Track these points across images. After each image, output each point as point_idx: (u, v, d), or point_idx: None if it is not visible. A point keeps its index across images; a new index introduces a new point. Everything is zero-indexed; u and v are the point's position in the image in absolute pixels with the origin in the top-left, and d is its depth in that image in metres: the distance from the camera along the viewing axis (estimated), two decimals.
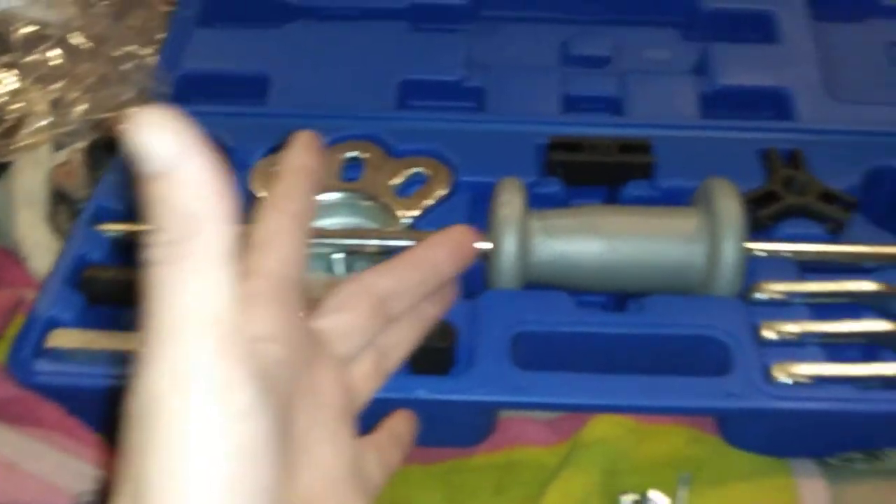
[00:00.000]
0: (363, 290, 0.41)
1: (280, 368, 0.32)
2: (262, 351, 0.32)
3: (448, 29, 0.80)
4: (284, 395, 0.32)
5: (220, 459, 0.28)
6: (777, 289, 0.57)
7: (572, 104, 0.74)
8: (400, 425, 0.46)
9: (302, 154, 0.42)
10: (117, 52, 0.70)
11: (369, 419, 0.57)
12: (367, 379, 0.41)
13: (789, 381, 0.53)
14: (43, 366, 0.54)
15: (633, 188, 0.66)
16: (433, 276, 0.43)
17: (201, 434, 0.28)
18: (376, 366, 0.42)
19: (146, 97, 0.69)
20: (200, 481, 0.28)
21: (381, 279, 0.42)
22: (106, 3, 0.79)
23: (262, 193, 0.65)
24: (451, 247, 0.44)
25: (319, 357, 0.38)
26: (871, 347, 0.58)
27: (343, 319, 0.40)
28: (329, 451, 0.36)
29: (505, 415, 0.60)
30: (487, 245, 0.59)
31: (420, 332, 0.44)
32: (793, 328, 0.55)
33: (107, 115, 0.69)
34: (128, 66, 0.70)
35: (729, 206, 0.57)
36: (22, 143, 0.69)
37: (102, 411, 0.46)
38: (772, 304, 0.57)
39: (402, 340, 0.43)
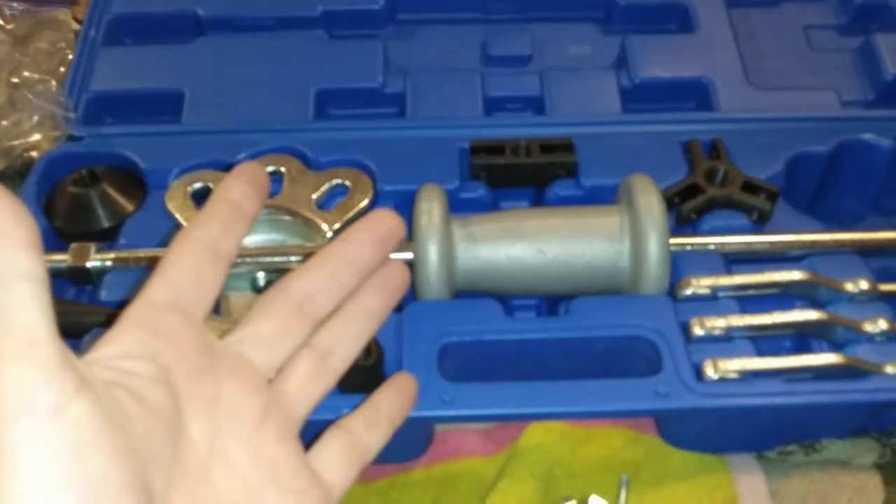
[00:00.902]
0: (279, 296, 0.41)
1: (138, 382, 0.33)
2: (116, 369, 0.33)
3: (364, 35, 0.78)
4: (148, 408, 0.33)
5: (55, 461, 0.28)
6: (704, 283, 0.57)
7: (494, 105, 0.73)
8: (385, 401, 0.45)
9: (237, 187, 0.40)
10: (17, 79, 0.68)
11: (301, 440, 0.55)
12: (307, 381, 0.40)
13: (720, 377, 0.52)
14: None
15: (559, 188, 0.65)
16: (351, 267, 0.42)
17: (33, 458, 0.28)
18: (318, 366, 0.41)
19: (52, 123, 0.67)
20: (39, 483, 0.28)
21: (295, 281, 0.41)
22: (10, 26, 0.76)
23: (178, 215, 0.63)
24: (367, 235, 0.43)
25: (226, 369, 0.37)
26: (802, 338, 0.57)
27: (258, 329, 0.40)
28: (244, 458, 0.36)
29: (442, 427, 0.59)
30: (410, 255, 0.58)
31: (369, 324, 0.43)
32: (721, 323, 0.55)
33: (13, 142, 0.67)
34: (32, 91, 0.67)
35: (650, 202, 0.56)
36: None
37: None
38: (700, 299, 0.57)
39: (347, 335, 0.42)
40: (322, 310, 0.41)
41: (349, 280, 0.42)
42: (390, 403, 0.44)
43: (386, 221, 0.44)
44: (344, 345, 0.42)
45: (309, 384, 0.40)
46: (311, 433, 0.52)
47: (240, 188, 0.40)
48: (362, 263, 0.43)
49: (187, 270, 0.37)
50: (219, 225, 0.39)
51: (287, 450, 0.38)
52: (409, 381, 0.47)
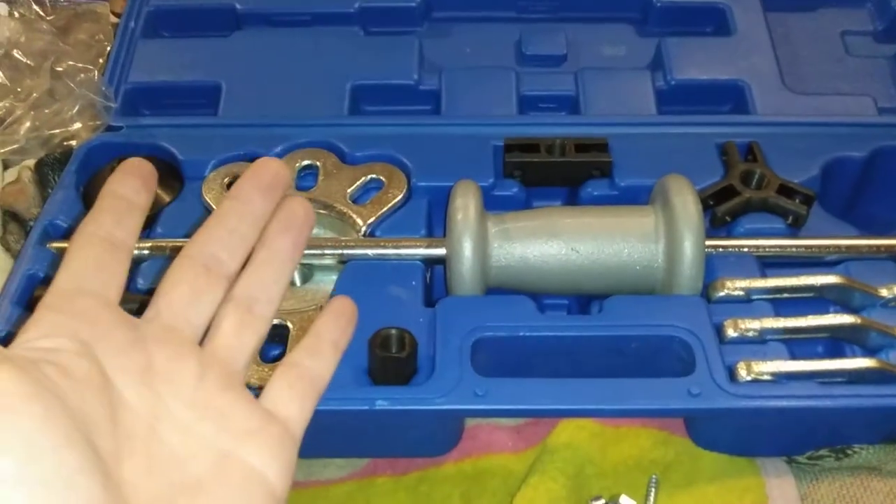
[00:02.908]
0: (182, 263, 0.42)
1: (62, 357, 0.34)
2: (38, 349, 0.34)
3: (400, 31, 0.79)
4: (76, 379, 0.34)
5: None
6: (738, 285, 0.57)
7: (528, 104, 0.73)
8: (325, 328, 0.44)
9: (123, 181, 0.42)
10: (61, 67, 0.68)
11: (327, 431, 0.56)
12: (237, 333, 0.41)
13: (753, 378, 0.52)
14: None
15: (593, 188, 0.65)
16: (246, 220, 0.43)
17: None
18: (244, 316, 0.41)
19: (92, 112, 0.68)
20: None
21: (194, 246, 0.42)
22: (51, 17, 0.77)
23: (214, 206, 0.63)
24: (252, 186, 0.43)
25: (153, 339, 0.38)
26: (835, 342, 0.57)
27: (170, 298, 0.40)
28: (191, 415, 0.37)
29: (472, 422, 0.59)
30: (443, 251, 0.58)
31: (284, 265, 0.43)
32: (755, 325, 0.55)
33: (53, 131, 0.68)
34: (73, 81, 0.68)
35: (686, 203, 0.56)
36: None
37: None
38: (734, 301, 0.57)
39: (266, 281, 0.42)
40: (229, 266, 0.42)
41: (247, 232, 0.42)
42: (330, 329, 0.44)
43: (268, 168, 0.44)
44: (265, 290, 0.42)
45: (240, 335, 0.41)
46: (338, 424, 0.53)
47: (126, 182, 0.41)
48: (256, 214, 0.43)
49: (87, 260, 0.38)
50: (110, 218, 0.40)
51: (233, 398, 0.39)
52: (346, 304, 0.46)
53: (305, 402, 0.41)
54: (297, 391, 0.41)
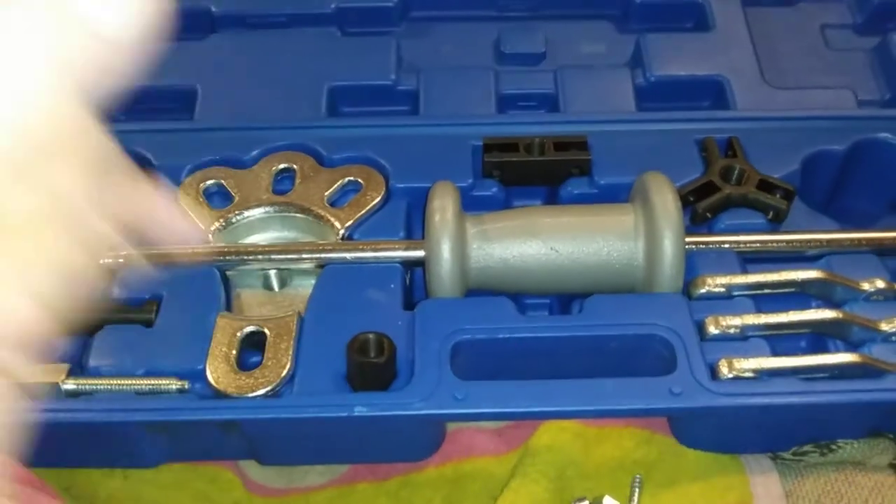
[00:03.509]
0: None
1: None
2: None
3: (378, 32, 0.78)
4: None
5: None
6: (719, 282, 0.56)
7: (507, 103, 0.72)
8: None
9: None
10: None
11: (307, 438, 0.55)
12: None
13: (735, 376, 0.52)
14: None
15: (573, 186, 0.64)
16: None
17: None
18: None
19: None
20: None
21: None
22: None
23: (190, 212, 0.62)
24: None
25: None
26: (818, 337, 0.57)
27: None
28: None
29: (453, 426, 0.58)
30: (422, 253, 0.58)
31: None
32: (736, 321, 0.54)
33: None
34: None
35: (665, 201, 0.56)
36: None
37: None
38: (715, 297, 0.56)
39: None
40: None
41: None
42: None
43: None
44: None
45: None
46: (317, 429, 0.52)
47: None
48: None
49: None
50: None
51: None
52: None
53: None
54: None
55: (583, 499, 0.54)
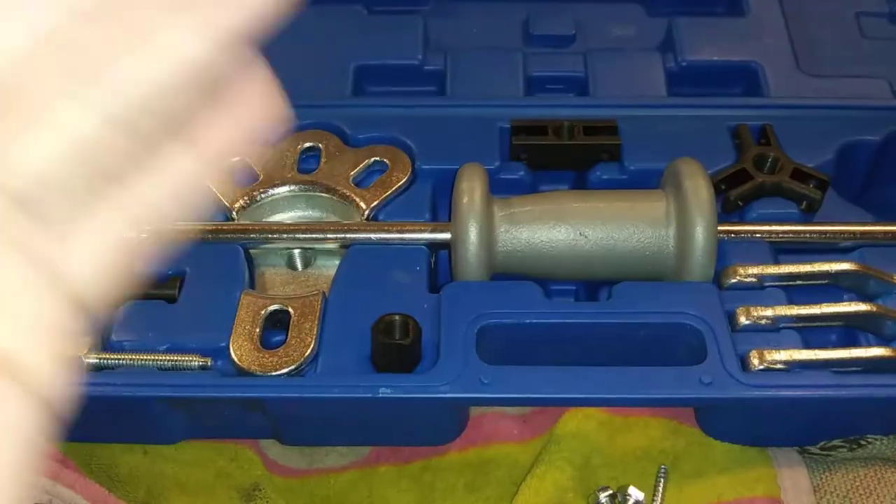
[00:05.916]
0: None
1: None
2: None
3: (405, 10, 0.77)
4: None
5: None
6: (751, 272, 0.55)
7: (536, 85, 0.71)
8: None
9: None
10: None
11: (330, 419, 0.55)
12: None
13: (765, 367, 0.51)
14: None
15: (601, 171, 0.63)
16: None
17: None
18: None
19: None
20: None
21: None
22: None
23: (216, 190, 0.62)
24: None
25: None
26: (849, 331, 0.56)
27: None
28: None
29: (477, 411, 0.58)
30: (448, 236, 0.57)
31: None
32: (768, 312, 0.53)
33: None
34: None
35: (698, 187, 0.55)
36: None
37: None
38: (746, 287, 0.56)
39: None
40: None
41: None
42: None
43: None
44: None
45: None
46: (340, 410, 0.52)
47: None
48: None
49: None
50: None
51: None
52: None
53: None
54: None
55: (607, 488, 0.53)
